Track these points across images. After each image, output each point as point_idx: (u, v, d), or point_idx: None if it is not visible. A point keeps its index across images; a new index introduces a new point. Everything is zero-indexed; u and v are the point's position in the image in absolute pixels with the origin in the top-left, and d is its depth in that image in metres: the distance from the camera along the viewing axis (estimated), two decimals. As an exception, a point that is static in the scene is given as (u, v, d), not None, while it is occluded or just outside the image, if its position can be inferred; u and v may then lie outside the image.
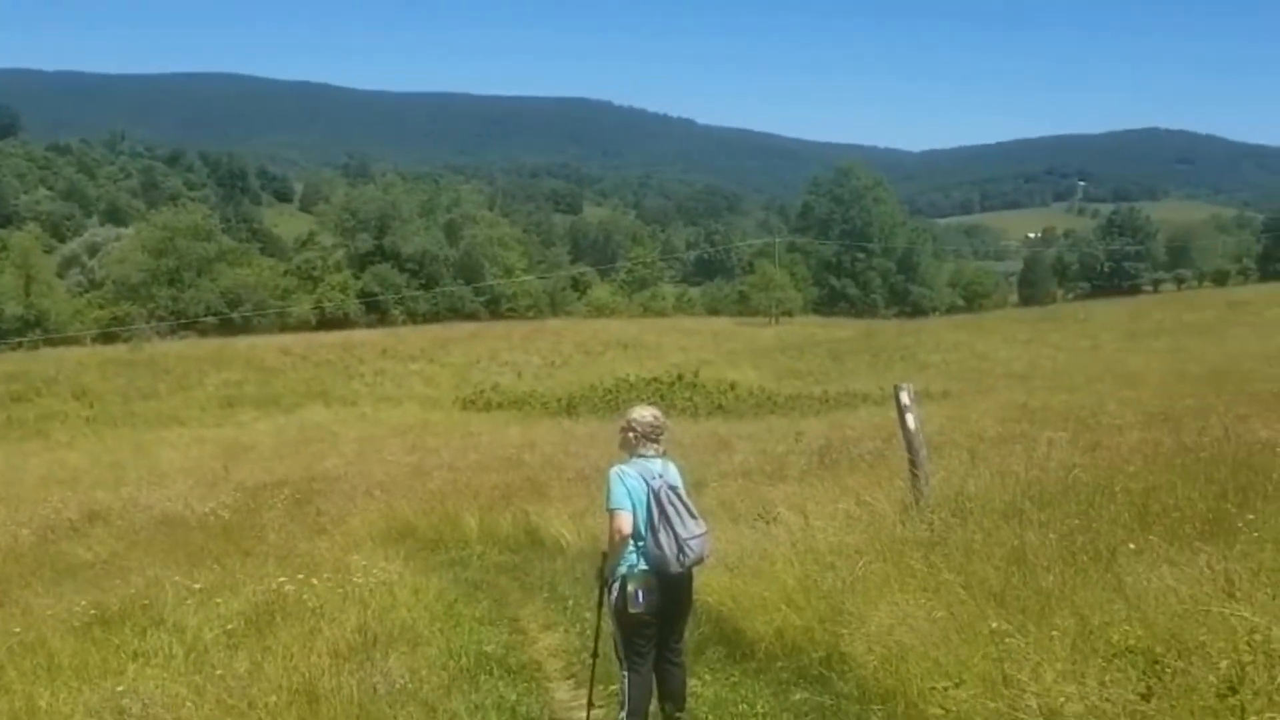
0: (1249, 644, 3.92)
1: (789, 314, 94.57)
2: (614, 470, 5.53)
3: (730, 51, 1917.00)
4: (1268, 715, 3.54)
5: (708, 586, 7.25)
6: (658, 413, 5.80)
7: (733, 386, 47.37)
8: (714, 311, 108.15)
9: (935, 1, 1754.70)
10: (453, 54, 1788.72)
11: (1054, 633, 4.59)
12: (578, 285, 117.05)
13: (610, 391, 46.32)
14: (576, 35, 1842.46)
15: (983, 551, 6.25)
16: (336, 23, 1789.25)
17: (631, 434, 5.65)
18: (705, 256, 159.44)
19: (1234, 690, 3.66)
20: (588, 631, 6.99)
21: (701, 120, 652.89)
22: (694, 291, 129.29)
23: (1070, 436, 15.21)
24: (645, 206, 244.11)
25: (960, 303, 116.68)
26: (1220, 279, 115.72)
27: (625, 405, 37.47)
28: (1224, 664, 3.83)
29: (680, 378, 49.37)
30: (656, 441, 5.63)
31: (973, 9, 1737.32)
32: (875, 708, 4.69)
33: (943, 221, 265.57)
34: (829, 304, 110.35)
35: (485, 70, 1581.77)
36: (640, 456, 5.59)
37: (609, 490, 5.47)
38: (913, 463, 8.55)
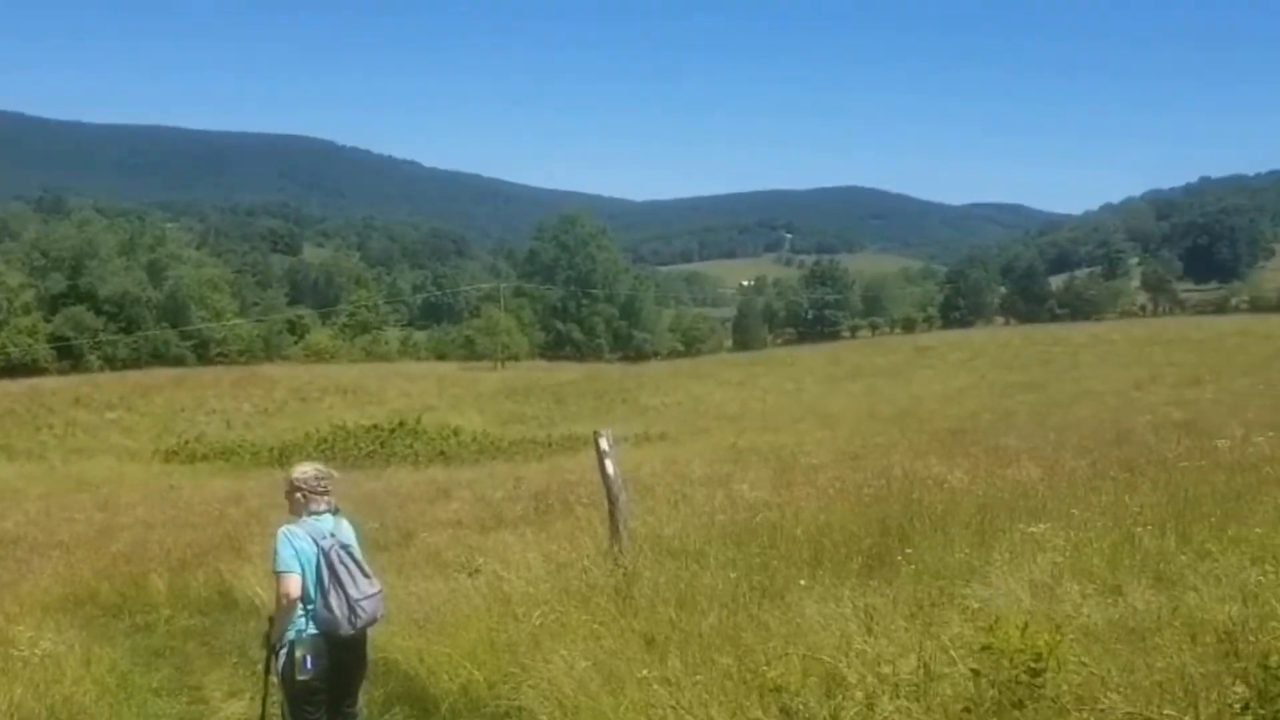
0: (877, 675, 4.26)
1: (515, 358, 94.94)
2: (282, 531, 5.34)
3: (458, 94, 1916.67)
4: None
5: (394, 644, 7.11)
6: (320, 466, 5.64)
7: (456, 432, 46.93)
8: (440, 356, 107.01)
9: (656, 61, 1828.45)
10: (159, 84, 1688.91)
11: (715, 674, 4.82)
12: (295, 329, 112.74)
13: (327, 440, 44.77)
14: (295, 71, 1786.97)
15: (664, 595, 6.48)
16: (30, 47, 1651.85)
17: (298, 493, 5.47)
18: (432, 300, 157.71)
19: None
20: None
21: (428, 162, 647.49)
22: (420, 336, 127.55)
23: (769, 476, 16.06)
24: (369, 248, 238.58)
25: (680, 347, 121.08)
26: (909, 326, 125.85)
27: (343, 453, 36.01)
28: (859, 695, 4.15)
29: (402, 424, 48.42)
30: (326, 494, 5.47)
31: (688, 70, 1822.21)
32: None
33: (664, 269, 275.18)
34: (555, 348, 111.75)
35: (197, 102, 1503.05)
36: (311, 515, 5.42)
37: (276, 552, 5.28)
38: (612, 508, 8.73)
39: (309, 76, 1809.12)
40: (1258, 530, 6.45)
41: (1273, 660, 3.28)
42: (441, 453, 39.39)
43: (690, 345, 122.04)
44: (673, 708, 4.48)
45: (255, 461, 40.92)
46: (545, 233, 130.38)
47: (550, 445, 40.59)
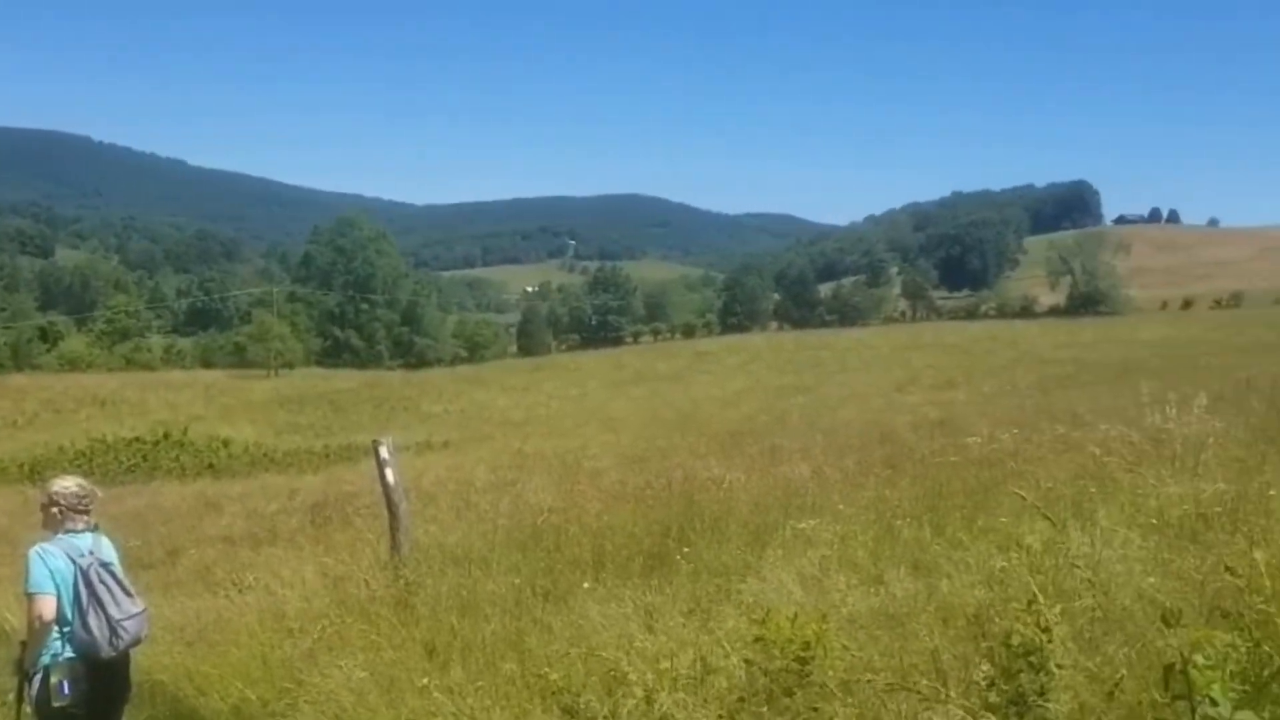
0: (656, 671, 4.37)
1: (289, 366, 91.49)
2: (34, 550, 4.98)
3: (228, 90, 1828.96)
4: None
5: (160, 665, 6.76)
6: (83, 481, 5.30)
7: (226, 443, 44.79)
8: (208, 364, 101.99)
9: (436, 64, 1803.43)
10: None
11: (498, 679, 4.83)
12: (47, 336, 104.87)
13: (85, 453, 41.80)
14: (49, 64, 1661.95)
15: (446, 603, 6.42)
16: None
17: (56, 509, 5.11)
18: (199, 305, 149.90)
19: None
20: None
21: (195, 161, 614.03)
22: (185, 343, 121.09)
23: (553, 481, 16.13)
24: (129, 251, 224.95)
25: (463, 353, 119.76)
26: (689, 331, 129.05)
27: (102, 468, 33.64)
28: (639, 691, 4.25)
29: (167, 436, 45.78)
30: (86, 513, 5.14)
31: (467, 74, 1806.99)
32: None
33: (447, 274, 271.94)
34: (332, 355, 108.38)
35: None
36: (68, 533, 5.07)
37: (28, 572, 4.91)
38: (393, 517, 8.57)
39: (63, 70, 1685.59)
40: (1003, 520, 6.96)
41: (1014, 640, 3.56)
42: (210, 465, 37.53)
43: (474, 351, 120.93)
44: (454, 714, 4.45)
45: (3, 478, 37.77)
46: (321, 236, 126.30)
47: (328, 455, 39.37)
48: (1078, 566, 5.33)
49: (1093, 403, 22.23)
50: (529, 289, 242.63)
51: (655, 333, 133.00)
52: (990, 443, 14.25)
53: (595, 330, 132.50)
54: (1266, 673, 3.31)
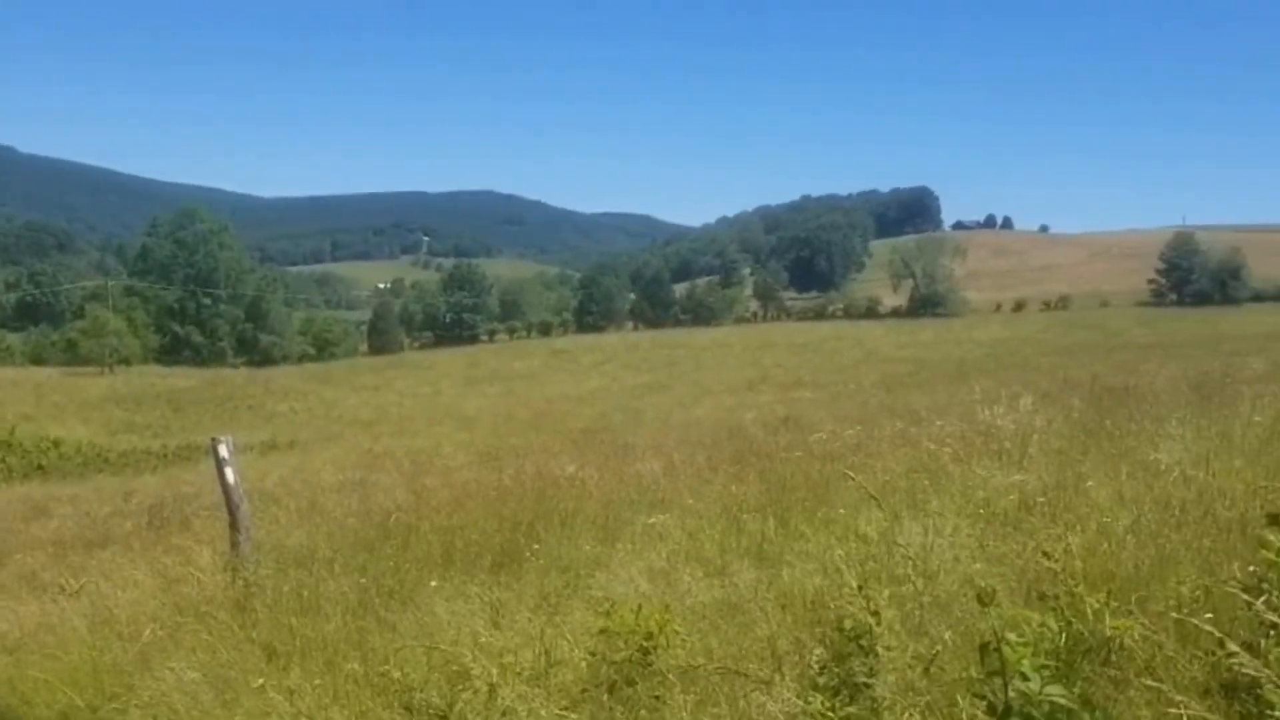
0: (501, 665, 4.38)
1: (126, 363, 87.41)
2: None
3: (61, 75, 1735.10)
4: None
5: (-20, 673, 6.40)
6: None
7: (57, 444, 42.60)
8: (38, 361, 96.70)
9: (284, 48, 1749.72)
10: None
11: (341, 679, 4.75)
12: None
13: (-108, 458, 39.09)
14: None
15: (287, 604, 6.28)
16: None
17: None
18: (28, 300, 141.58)
19: (444, 715, 3.99)
20: None
21: (25, 148, 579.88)
22: (14, 339, 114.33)
23: (404, 480, 15.89)
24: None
25: (311, 351, 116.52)
26: (545, 330, 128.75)
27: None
28: (482, 686, 4.24)
29: (-9, 436, 43.19)
30: None
31: (317, 59, 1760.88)
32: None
33: (294, 269, 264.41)
34: (172, 352, 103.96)
35: None
36: None
37: None
38: (233, 518, 8.32)
39: None
40: (842, 512, 7.20)
41: (846, 624, 3.70)
42: (40, 467, 35.66)
43: (322, 349, 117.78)
44: (291, 715, 4.35)
45: None
46: (161, 228, 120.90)
47: (166, 456, 37.90)
48: (909, 556, 5.56)
49: (930, 400, 23.16)
50: (381, 286, 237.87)
51: (511, 331, 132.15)
52: (834, 438, 14.72)
53: (450, 328, 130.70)
54: (1076, 650, 3.53)
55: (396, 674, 4.44)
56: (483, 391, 66.36)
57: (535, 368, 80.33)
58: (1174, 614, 3.90)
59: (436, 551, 7.74)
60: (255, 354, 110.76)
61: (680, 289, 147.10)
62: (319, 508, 12.09)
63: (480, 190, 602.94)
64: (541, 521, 8.87)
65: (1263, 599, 3.36)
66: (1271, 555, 3.50)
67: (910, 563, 5.73)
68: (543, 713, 3.67)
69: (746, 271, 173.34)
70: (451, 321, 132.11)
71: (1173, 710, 3.09)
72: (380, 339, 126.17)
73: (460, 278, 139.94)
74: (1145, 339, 68.80)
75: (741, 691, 3.83)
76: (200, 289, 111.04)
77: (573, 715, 3.82)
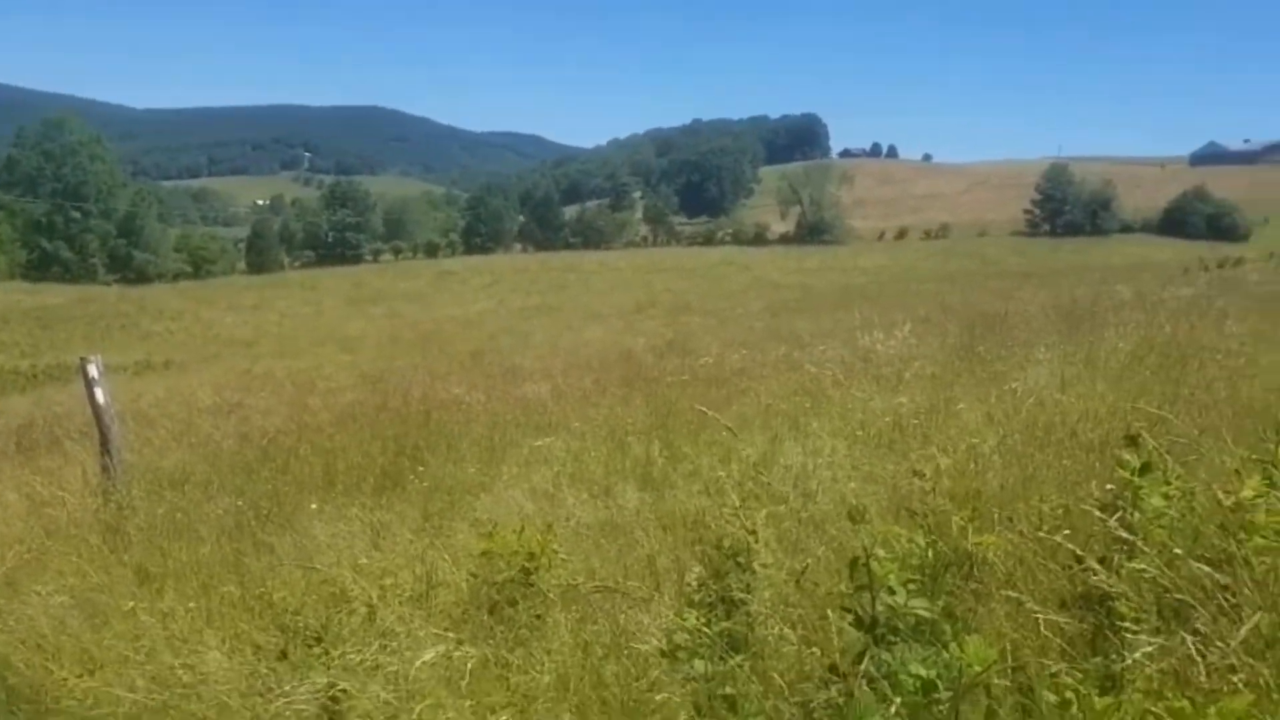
0: (381, 587, 4.37)
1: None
2: None
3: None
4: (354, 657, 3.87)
5: None
6: None
7: (-88, 363, 40.58)
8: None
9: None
10: None
11: (217, 602, 4.68)
12: None
13: None
14: None
15: (161, 527, 6.13)
16: None
17: None
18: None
19: (319, 637, 3.97)
20: None
21: None
22: None
23: (285, 401, 15.58)
24: None
25: (187, 269, 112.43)
26: (431, 251, 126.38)
27: None
28: (361, 608, 4.23)
29: None
30: None
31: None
32: (24, 707, 4.35)
33: (169, 184, 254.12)
34: (40, 268, 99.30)
35: None
36: None
37: None
38: (104, 439, 8.05)
39: None
40: (724, 434, 7.31)
41: (725, 543, 3.77)
42: (-106, 388, 33.91)
43: (199, 267, 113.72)
44: (164, 638, 4.27)
45: None
46: (27, 139, 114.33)
47: (35, 376, 36.49)
48: (788, 476, 5.70)
49: (815, 325, 23.57)
50: (260, 202, 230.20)
51: (396, 251, 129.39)
52: (720, 362, 14.89)
53: (332, 247, 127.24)
54: (941, 565, 3.67)
55: (274, 597, 4.40)
56: (367, 312, 65.19)
57: (421, 289, 79.14)
58: (1036, 531, 4.09)
59: (317, 474, 7.63)
60: (129, 271, 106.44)
61: (570, 211, 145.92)
62: (195, 430, 11.79)
63: (364, 105, 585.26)
64: (426, 444, 8.81)
65: (1116, 516, 3.53)
66: (1127, 474, 3.68)
67: (790, 483, 5.88)
68: (421, 634, 3.68)
69: (637, 195, 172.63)
70: (334, 240, 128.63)
71: (1030, 620, 3.25)
72: (259, 257, 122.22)
73: (342, 195, 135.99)
74: (1020, 267, 70.99)
75: (620, 609, 3.89)
76: (70, 203, 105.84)
77: (452, 635, 3.83)
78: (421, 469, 7.47)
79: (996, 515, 4.43)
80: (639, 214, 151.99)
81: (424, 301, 70.38)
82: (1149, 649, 2.86)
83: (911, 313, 19.72)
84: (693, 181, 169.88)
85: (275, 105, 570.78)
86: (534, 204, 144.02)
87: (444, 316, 59.11)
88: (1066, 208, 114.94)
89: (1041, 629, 3.23)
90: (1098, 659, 2.90)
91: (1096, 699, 2.42)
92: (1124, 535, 3.50)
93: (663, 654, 3.12)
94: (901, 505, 4.74)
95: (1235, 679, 2.58)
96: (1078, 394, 7.15)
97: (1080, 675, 2.59)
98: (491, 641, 3.86)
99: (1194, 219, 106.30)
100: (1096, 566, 3.35)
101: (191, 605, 4.59)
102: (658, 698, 3.11)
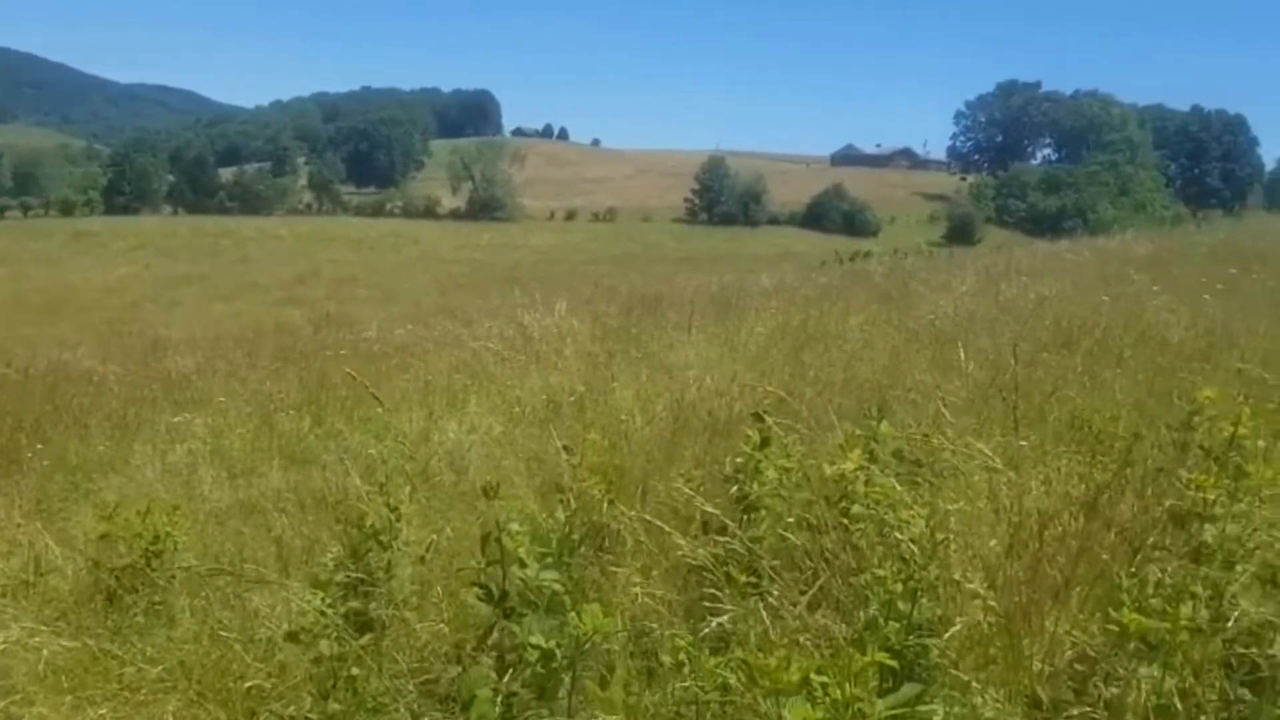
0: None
1: None
2: None
3: None
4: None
5: None
6: None
7: None
8: None
9: None
10: None
11: None
12: None
13: None
14: None
15: None
16: None
17: None
18: None
19: None
20: None
21: None
22: None
23: None
24: None
25: None
26: (67, 209, 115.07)
27: None
28: None
29: None
30: None
31: None
32: None
33: None
34: None
35: None
36: None
37: None
38: None
39: None
40: (379, 411, 7.20)
41: (367, 523, 3.71)
42: None
43: None
44: None
45: None
46: None
47: None
48: (443, 453, 5.69)
49: (483, 302, 23.66)
50: None
51: (25, 208, 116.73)
52: (384, 336, 14.63)
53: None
54: (575, 538, 3.81)
55: None
56: (-13, 275, 58.55)
57: (54, 250, 71.91)
58: (672, 502, 4.33)
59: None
60: None
61: (227, 174, 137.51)
62: None
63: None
64: (50, 420, 8.11)
65: (736, 488, 3.81)
66: (749, 450, 3.97)
67: (444, 460, 5.89)
68: (13, 626, 3.34)
69: (301, 161, 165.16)
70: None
71: (655, 587, 3.44)
72: None
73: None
74: (679, 253, 74.67)
75: (252, 593, 3.74)
76: None
77: (61, 624, 3.53)
78: (41, 446, 6.85)
79: (638, 489, 4.64)
80: (303, 180, 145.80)
81: (57, 264, 64.00)
82: (735, 612, 3.10)
83: (576, 293, 20.22)
84: (361, 150, 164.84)
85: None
86: (186, 163, 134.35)
87: (80, 281, 54.17)
88: (723, 198, 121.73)
89: (662, 595, 3.43)
90: (712, 621, 3.12)
91: (707, 659, 2.60)
92: (748, 504, 3.79)
93: (287, 638, 3.03)
94: (553, 481, 4.86)
95: (803, 638, 2.83)
96: (719, 374, 7.61)
97: (692, 638, 2.77)
98: (103, 631, 3.59)
99: (832, 215, 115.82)
100: (700, 535, 3.61)
101: None
102: (276, 685, 3.03)
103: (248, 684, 3.03)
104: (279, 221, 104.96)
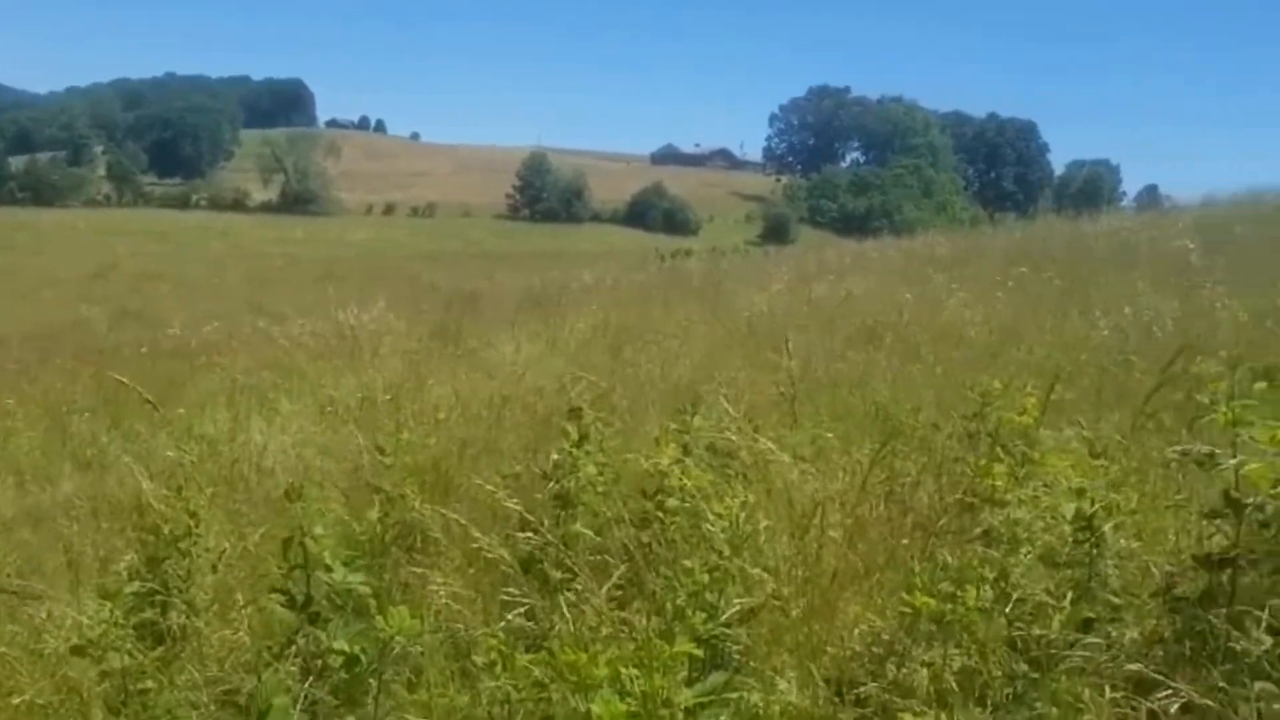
0: None
1: None
2: None
3: None
4: None
5: None
6: None
7: None
8: None
9: None
10: None
11: None
12: None
13: None
14: None
15: None
16: None
17: None
18: None
19: None
20: None
21: None
22: None
23: None
24: None
25: None
26: None
27: None
28: None
29: None
30: None
31: None
32: None
33: None
34: None
35: None
36: None
37: None
38: None
39: None
40: (181, 411, 6.88)
41: (165, 528, 3.54)
42: None
43: None
44: None
45: None
46: None
47: None
48: (248, 455, 5.47)
49: (297, 299, 22.94)
50: None
51: None
52: (189, 334, 13.99)
53: None
54: (387, 539, 3.74)
55: None
56: None
57: None
58: (489, 499, 4.29)
59: None
60: None
61: (18, 163, 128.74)
62: None
63: None
64: None
65: (553, 484, 3.81)
66: (568, 445, 3.98)
67: (250, 462, 5.66)
68: None
69: (99, 150, 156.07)
70: None
71: (469, 585, 3.40)
72: None
73: None
74: (500, 249, 74.22)
75: (39, 607, 3.51)
76: None
77: None
78: None
79: (454, 488, 4.59)
80: (101, 170, 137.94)
81: None
82: (535, 607, 3.11)
83: (395, 289, 19.86)
84: (165, 139, 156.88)
85: None
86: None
87: None
88: (544, 195, 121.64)
89: (473, 595, 3.40)
90: (512, 618, 3.11)
91: (520, 657, 2.59)
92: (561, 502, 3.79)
93: (72, 651, 2.86)
94: (366, 481, 4.74)
95: (616, 631, 2.86)
96: (539, 370, 7.60)
97: (504, 637, 2.76)
98: None
99: (653, 213, 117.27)
100: (530, 535, 3.60)
101: None
102: (64, 702, 2.85)
103: (22, 699, 2.83)
104: (76, 213, 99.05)
